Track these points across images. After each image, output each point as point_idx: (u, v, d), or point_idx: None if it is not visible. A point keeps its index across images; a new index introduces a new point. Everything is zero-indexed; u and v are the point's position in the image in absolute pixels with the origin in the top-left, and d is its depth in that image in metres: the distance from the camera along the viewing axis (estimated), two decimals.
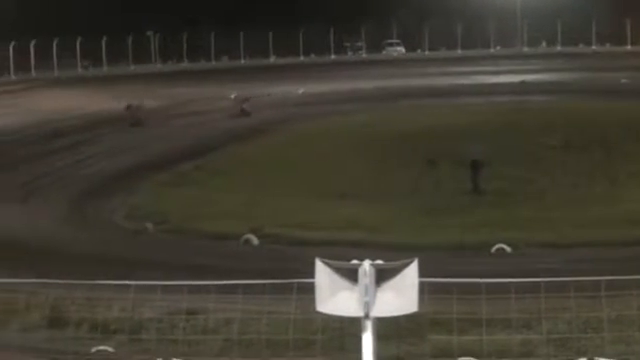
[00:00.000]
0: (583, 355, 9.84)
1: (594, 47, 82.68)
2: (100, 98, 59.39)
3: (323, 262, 8.80)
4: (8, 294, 14.11)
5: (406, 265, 8.70)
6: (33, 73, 68.75)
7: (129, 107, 52.70)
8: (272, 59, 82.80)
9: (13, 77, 67.00)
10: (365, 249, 23.08)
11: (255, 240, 28.47)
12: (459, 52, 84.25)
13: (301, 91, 64.60)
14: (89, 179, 39.08)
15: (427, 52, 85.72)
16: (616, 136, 42.32)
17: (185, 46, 79.80)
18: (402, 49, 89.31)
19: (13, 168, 40.87)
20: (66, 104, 57.03)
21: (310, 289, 8.57)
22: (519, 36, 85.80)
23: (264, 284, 10.08)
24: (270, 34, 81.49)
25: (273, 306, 11.86)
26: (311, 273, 8.43)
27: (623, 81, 63.12)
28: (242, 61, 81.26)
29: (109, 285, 12.32)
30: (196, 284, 10.13)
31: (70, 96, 60.19)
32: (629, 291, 9.97)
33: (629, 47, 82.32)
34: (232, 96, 62.14)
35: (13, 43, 66.34)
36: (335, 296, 8.68)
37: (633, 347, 10.46)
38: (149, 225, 30.86)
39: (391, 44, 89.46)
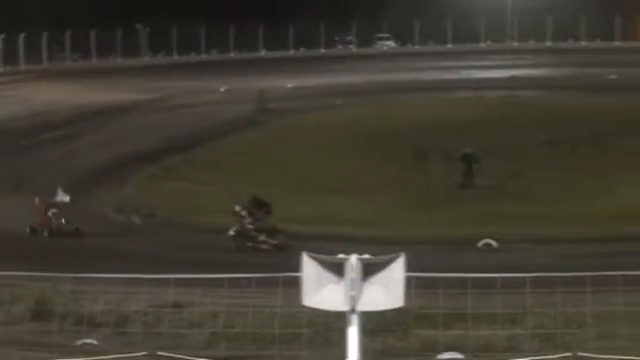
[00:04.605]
0: (567, 350, 9.87)
1: (583, 43, 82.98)
2: (89, 91, 59.26)
3: (310, 256, 8.82)
4: None
5: (393, 260, 8.73)
6: (22, 66, 68.54)
7: None
8: (262, 52, 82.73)
9: (1, 69, 66.80)
10: (353, 243, 23.11)
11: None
12: (449, 47, 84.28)
13: (290, 85, 64.53)
14: (78, 171, 38.97)
15: (417, 46, 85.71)
16: (604, 131, 42.42)
17: (174, 39, 79.67)
18: (392, 43, 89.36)
19: (4, 160, 40.81)
20: (55, 97, 56.89)
21: (297, 283, 8.59)
22: (509, 31, 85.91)
23: (250, 278, 10.10)
24: (260, 27, 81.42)
25: (259, 300, 11.87)
26: (298, 267, 8.45)
27: (611, 77, 63.32)
28: (231, 54, 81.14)
29: (95, 278, 12.31)
30: (182, 277, 10.11)
31: (59, 89, 60.04)
32: (614, 287, 10.01)
33: (617, 43, 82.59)
34: (222, 89, 62.08)
35: (2, 36, 66.13)
36: (321, 290, 8.70)
37: (616, 342, 10.49)
38: (136, 218, 30.84)
39: (381, 38, 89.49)
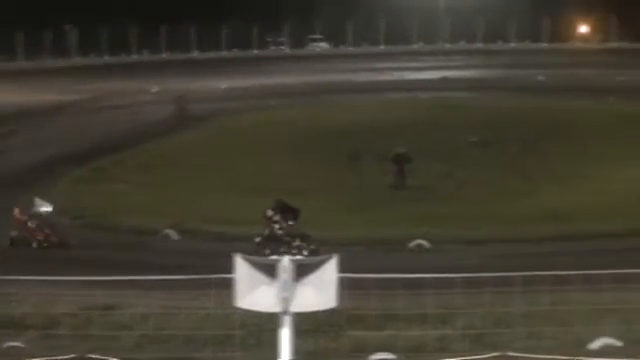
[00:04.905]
0: (496, 350, 9.98)
1: (512, 44, 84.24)
2: (16, 92, 58.43)
3: (242, 257, 8.82)
4: None
5: (325, 261, 8.77)
6: None
7: None
8: (194, 53, 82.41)
9: None
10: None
11: (175, 235, 28.26)
12: (382, 48, 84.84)
13: (224, 86, 64.33)
14: (5, 173, 38.38)
15: (350, 48, 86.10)
16: (533, 133, 43.01)
17: (105, 40, 78.95)
18: (325, 45, 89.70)
19: None
20: None
21: (230, 285, 8.58)
22: (440, 33, 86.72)
23: (182, 279, 10.06)
24: (192, 28, 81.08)
25: (191, 301, 11.82)
26: (231, 268, 8.44)
27: (540, 78, 64.29)
28: (163, 55, 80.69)
29: (24, 280, 12.12)
30: (113, 280, 10.02)
31: None
32: (541, 287, 10.16)
33: (545, 44, 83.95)
34: (153, 90, 61.68)
35: None
36: (254, 292, 8.71)
37: (543, 342, 10.64)
38: (66, 219, 30.41)
39: (314, 39, 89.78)
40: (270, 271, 8.78)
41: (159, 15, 77.47)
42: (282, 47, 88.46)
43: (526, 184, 34.41)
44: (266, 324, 9.99)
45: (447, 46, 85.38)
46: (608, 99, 53.42)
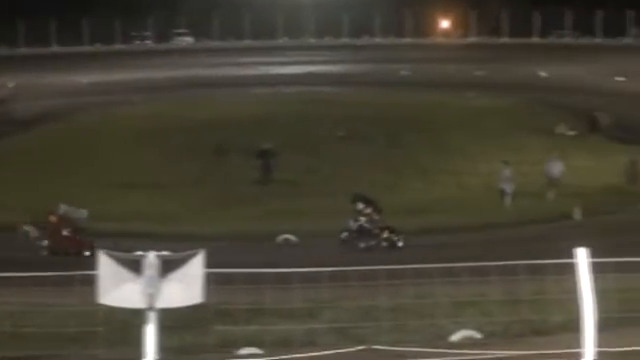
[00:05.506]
0: (362, 343, 10.09)
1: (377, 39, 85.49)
2: None
3: (106, 253, 8.68)
4: None
5: (191, 256, 8.71)
6: None
7: None
8: (54, 48, 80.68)
9: None
10: (153, 240, 22.87)
11: (34, 232, 27.55)
12: (247, 42, 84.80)
13: (86, 81, 63.19)
14: None
15: (215, 42, 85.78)
16: (397, 127, 43.71)
17: None
18: (190, 39, 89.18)
19: None
20: None
21: (94, 281, 8.45)
22: (306, 28, 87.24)
23: (44, 276, 9.84)
24: (51, 22, 79.36)
25: (53, 299, 11.57)
26: (95, 265, 8.31)
27: (403, 73, 65.41)
28: (22, 50, 78.73)
29: None
30: None
31: None
32: (405, 280, 10.33)
33: (409, 39, 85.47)
34: (10, 85, 60.14)
35: None
36: (119, 288, 8.58)
37: (407, 335, 10.82)
38: None
39: (179, 34, 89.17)
40: (135, 267, 8.67)
41: (15, 9, 75.50)
42: (147, 42, 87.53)
43: (391, 177, 34.93)
44: (131, 320, 9.86)
45: (312, 41, 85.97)
46: (467, 93, 54.75)
